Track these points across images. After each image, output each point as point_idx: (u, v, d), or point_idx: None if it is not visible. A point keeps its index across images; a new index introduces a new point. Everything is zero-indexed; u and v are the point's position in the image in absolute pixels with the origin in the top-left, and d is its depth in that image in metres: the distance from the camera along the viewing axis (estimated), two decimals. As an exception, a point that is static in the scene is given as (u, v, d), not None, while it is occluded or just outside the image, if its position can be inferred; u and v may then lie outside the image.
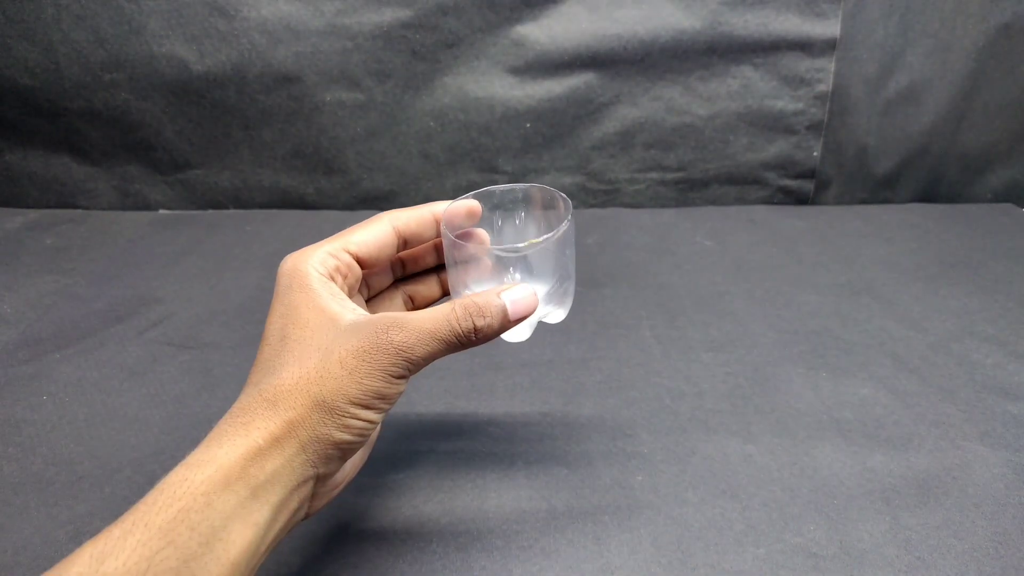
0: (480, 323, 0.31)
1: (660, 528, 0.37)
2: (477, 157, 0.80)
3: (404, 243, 0.36)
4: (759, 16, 0.73)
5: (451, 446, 0.43)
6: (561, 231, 0.33)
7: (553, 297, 0.35)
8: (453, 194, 0.82)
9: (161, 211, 0.83)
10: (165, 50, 0.73)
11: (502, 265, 0.33)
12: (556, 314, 0.36)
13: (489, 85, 0.76)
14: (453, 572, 0.34)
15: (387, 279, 0.39)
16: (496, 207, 0.37)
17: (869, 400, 0.47)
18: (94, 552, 0.24)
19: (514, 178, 0.81)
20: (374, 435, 0.34)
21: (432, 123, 0.78)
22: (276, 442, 0.28)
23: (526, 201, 0.38)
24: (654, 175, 0.81)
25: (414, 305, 0.39)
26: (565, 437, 0.44)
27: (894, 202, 0.82)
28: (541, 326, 0.38)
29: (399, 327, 0.30)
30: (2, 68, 0.75)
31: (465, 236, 0.36)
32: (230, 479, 0.26)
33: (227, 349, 0.54)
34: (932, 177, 0.82)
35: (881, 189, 0.82)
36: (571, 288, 0.36)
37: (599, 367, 0.51)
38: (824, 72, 0.75)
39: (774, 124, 0.78)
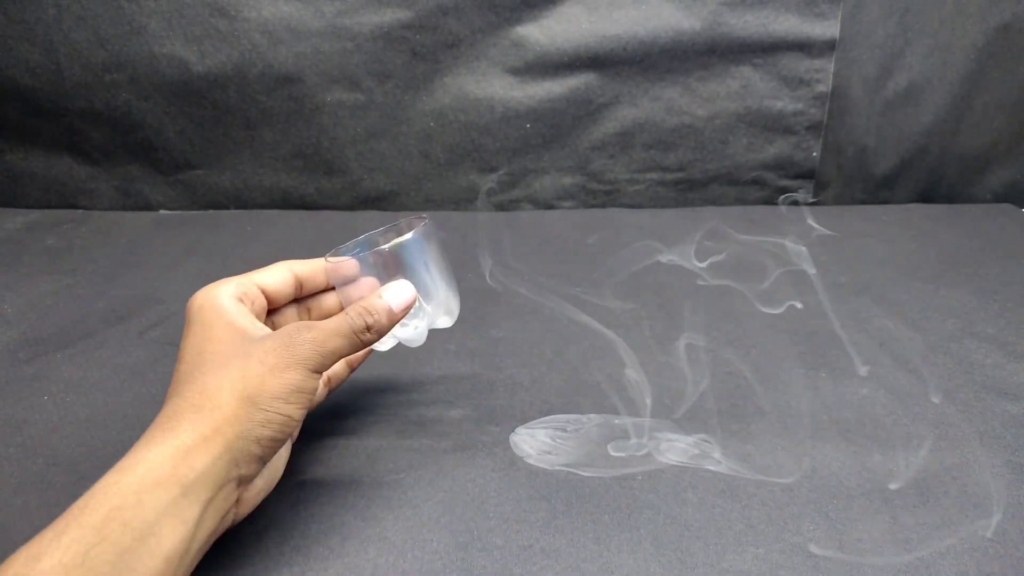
0: (369, 320, 0.35)
1: (660, 528, 0.37)
2: (477, 157, 0.80)
3: (301, 286, 0.41)
4: (759, 17, 0.73)
5: (451, 445, 0.43)
6: (407, 237, 0.38)
7: (434, 303, 0.40)
8: (453, 195, 0.82)
9: (162, 211, 0.83)
10: (166, 50, 0.74)
11: (376, 274, 0.38)
12: (443, 320, 0.41)
13: (489, 86, 0.76)
14: (453, 572, 0.34)
15: (294, 320, 0.43)
16: (383, 254, 0.41)
17: (869, 400, 0.47)
18: (29, 553, 0.26)
19: (514, 178, 0.81)
20: (285, 453, 0.37)
21: (432, 123, 0.78)
22: (204, 441, 0.30)
23: (398, 233, 0.42)
24: (654, 175, 0.81)
25: None
26: (565, 437, 0.44)
27: (894, 202, 0.82)
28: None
29: (309, 328, 0.34)
30: (3, 68, 0.75)
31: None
32: (160, 478, 0.28)
33: (228, 349, 0.54)
34: (932, 177, 0.82)
35: (880, 189, 0.82)
36: (450, 296, 0.41)
37: (599, 367, 0.51)
38: (824, 72, 0.75)
39: (773, 124, 0.78)
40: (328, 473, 0.41)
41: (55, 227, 0.78)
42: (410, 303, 0.37)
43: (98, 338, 0.56)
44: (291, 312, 0.43)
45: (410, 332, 0.41)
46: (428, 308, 0.40)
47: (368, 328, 0.35)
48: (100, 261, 0.70)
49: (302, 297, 0.43)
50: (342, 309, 0.42)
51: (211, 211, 0.83)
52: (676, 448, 0.42)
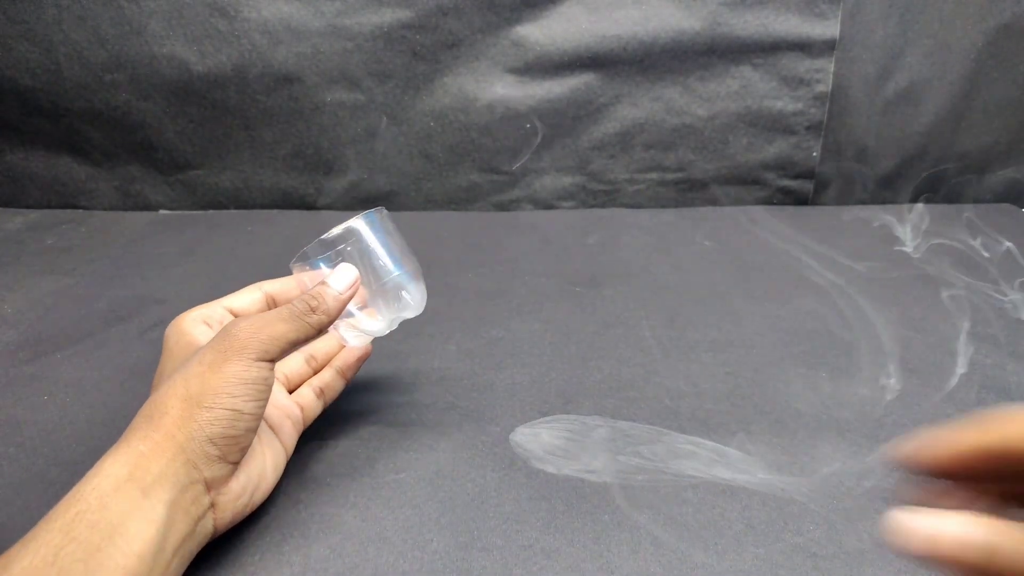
0: (313, 303, 0.35)
1: (660, 528, 0.37)
2: (477, 157, 0.80)
3: (273, 302, 0.41)
4: (759, 17, 0.73)
5: (451, 445, 0.43)
6: (345, 225, 0.39)
7: (396, 285, 0.41)
8: (453, 195, 0.82)
9: (162, 211, 0.83)
10: (166, 51, 0.74)
11: (330, 260, 0.39)
12: (408, 309, 0.42)
13: (489, 86, 0.76)
14: (453, 572, 0.34)
15: None
16: (335, 245, 0.42)
17: (869, 400, 0.47)
18: None
19: (514, 178, 0.81)
20: (272, 462, 0.37)
21: (432, 123, 0.78)
22: (157, 447, 0.30)
23: (350, 230, 0.42)
24: (654, 175, 0.81)
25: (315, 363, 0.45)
26: (565, 437, 0.44)
27: (894, 202, 0.82)
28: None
29: (246, 319, 0.34)
30: (3, 69, 0.75)
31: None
32: (119, 483, 0.29)
33: (228, 349, 0.54)
34: (932, 177, 0.82)
35: (881, 189, 0.82)
36: (408, 282, 0.41)
37: (599, 367, 0.51)
38: (824, 72, 0.75)
39: (774, 124, 0.78)
40: (328, 473, 0.41)
41: (55, 227, 0.78)
42: (352, 283, 0.37)
43: (98, 338, 0.56)
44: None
45: (372, 322, 0.41)
46: (384, 291, 0.41)
47: (313, 310, 0.35)
48: (100, 261, 0.70)
49: None
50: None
51: (211, 211, 0.83)
52: (686, 454, 0.42)
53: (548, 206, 0.83)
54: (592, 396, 0.48)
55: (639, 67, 0.75)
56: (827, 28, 0.73)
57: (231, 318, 0.39)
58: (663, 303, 0.60)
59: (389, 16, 0.73)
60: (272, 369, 0.34)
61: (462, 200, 0.83)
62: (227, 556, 0.35)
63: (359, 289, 0.38)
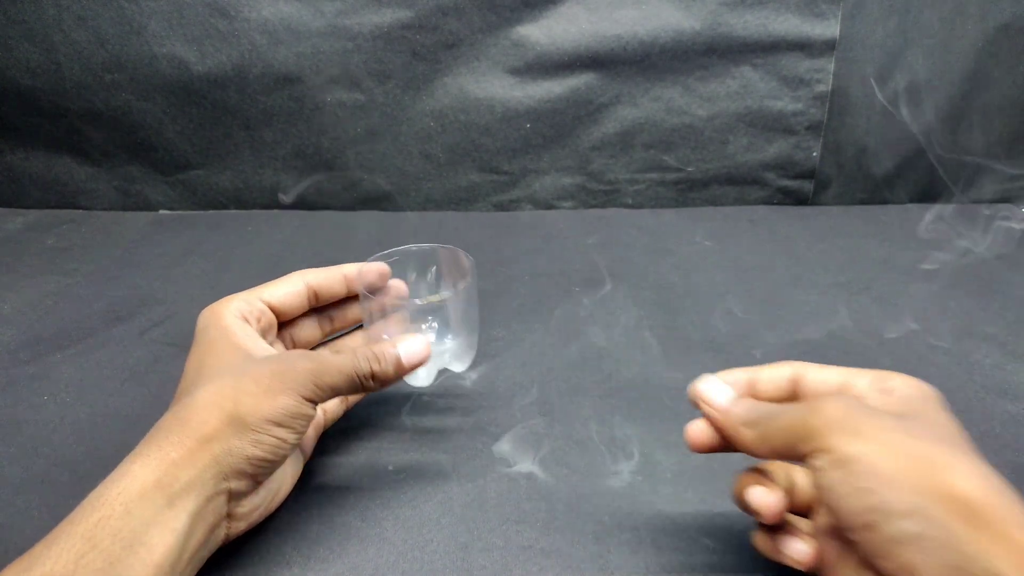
0: (376, 368, 0.34)
1: (660, 528, 0.37)
2: (477, 157, 0.80)
3: (316, 296, 0.41)
4: (759, 17, 0.73)
5: (451, 445, 0.43)
6: (462, 288, 0.39)
7: (460, 347, 0.41)
8: (453, 195, 0.82)
9: (162, 211, 0.83)
10: (166, 51, 0.74)
11: (416, 317, 0.39)
12: (459, 364, 0.42)
13: (489, 86, 0.76)
14: (453, 572, 0.34)
15: (313, 332, 0.43)
16: (408, 265, 0.43)
17: (869, 400, 0.47)
18: (20, 566, 0.26)
19: (514, 178, 0.81)
20: (291, 476, 0.37)
21: (432, 123, 0.78)
22: (189, 454, 0.30)
23: (435, 259, 0.43)
24: (654, 175, 0.81)
25: None
26: (565, 437, 0.44)
27: (894, 202, 0.82)
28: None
29: (309, 357, 0.33)
30: (3, 69, 0.75)
31: (382, 289, 0.42)
32: (145, 489, 0.28)
33: (228, 349, 0.54)
34: (932, 177, 0.82)
35: (881, 189, 0.82)
36: (475, 341, 0.42)
37: (598, 367, 0.51)
38: (824, 72, 0.75)
39: (774, 124, 0.78)
40: (328, 473, 0.41)
41: (55, 227, 0.78)
42: (421, 360, 0.36)
43: (98, 338, 0.56)
44: (310, 323, 0.43)
45: (425, 378, 0.42)
46: (445, 355, 0.40)
47: (372, 376, 0.35)
48: (100, 261, 0.70)
49: (322, 307, 0.43)
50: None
51: (211, 211, 0.83)
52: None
53: (548, 206, 0.83)
54: (592, 396, 0.48)
55: (639, 67, 0.75)
56: (827, 28, 0.73)
57: (269, 313, 0.39)
58: (663, 303, 0.60)
59: (389, 16, 0.73)
60: (314, 409, 0.34)
61: (462, 200, 0.83)
62: (227, 557, 0.34)
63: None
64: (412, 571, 0.34)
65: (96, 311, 0.60)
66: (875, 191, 0.82)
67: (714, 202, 0.82)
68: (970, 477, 0.23)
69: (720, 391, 0.32)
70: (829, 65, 0.74)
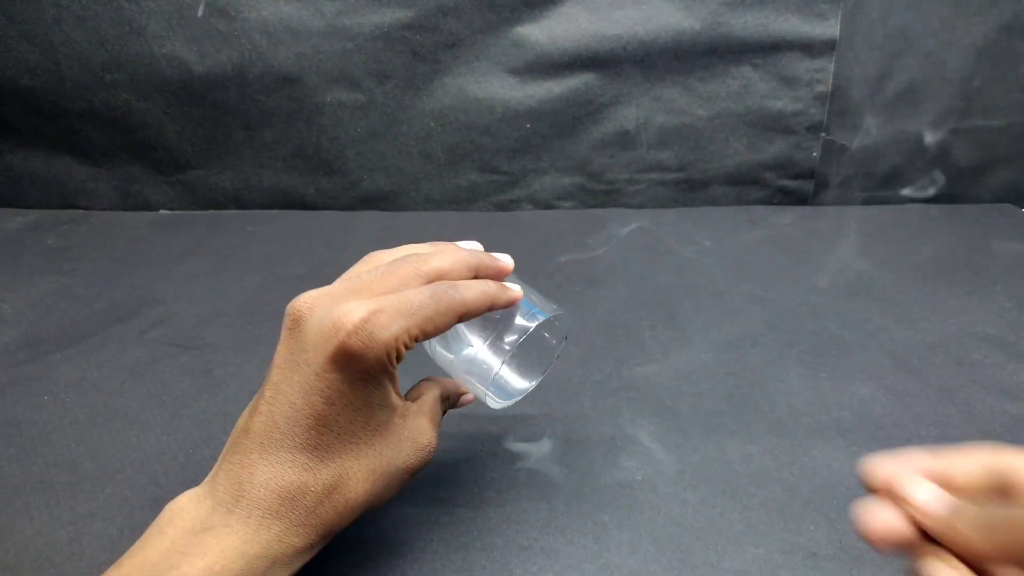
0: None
1: (660, 528, 0.37)
2: (477, 157, 0.80)
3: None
4: (759, 17, 0.73)
5: (451, 445, 0.43)
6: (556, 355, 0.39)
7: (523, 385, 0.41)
8: (453, 195, 0.82)
9: (162, 211, 0.83)
10: (166, 51, 0.74)
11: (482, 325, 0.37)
12: (493, 402, 0.40)
13: (489, 86, 0.76)
14: (453, 572, 0.34)
15: None
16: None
17: (869, 400, 0.47)
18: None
19: (514, 178, 0.81)
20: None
21: (432, 123, 0.78)
22: (293, 530, 0.29)
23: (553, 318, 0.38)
24: (654, 175, 0.81)
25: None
26: (565, 437, 0.44)
27: (894, 202, 0.82)
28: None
29: (418, 460, 0.34)
30: (3, 69, 0.75)
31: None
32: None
33: (228, 350, 0.54)
34: (932, 177, 0.82)
35: (881, 189, 0.82)
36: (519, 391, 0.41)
37: (599, 367, 0.51)
38: (824, 72, 0.75)
39: (773, 124, 0.78)
40: (328, 473, 0.41)
41: (55, 227, 0.78)
42: (464, 402, 0.39)
43: (98, 338, 0.56)
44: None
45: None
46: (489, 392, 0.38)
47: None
48: (100, 261, 0.70)
49: None
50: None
51: (211, 211, 0.83)
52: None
53: (548, 206, 0.83)
54: (592, 396, 0.48)
55: (639, 67, 0.75)
56: (827, 28, 0.73)
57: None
58: (663, 303, 0.60)
59: (389, 16, 0.73)
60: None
61: (462, 200, 0.83)
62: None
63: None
64: (412, 571, 0.34)
65: (96, 311, 0.60)
66: (875, 191, 0.82)
67: (714, 202, 0.82)
68: None
69: (926, 492, 0.27)
70: (829, 65, 0.74)
